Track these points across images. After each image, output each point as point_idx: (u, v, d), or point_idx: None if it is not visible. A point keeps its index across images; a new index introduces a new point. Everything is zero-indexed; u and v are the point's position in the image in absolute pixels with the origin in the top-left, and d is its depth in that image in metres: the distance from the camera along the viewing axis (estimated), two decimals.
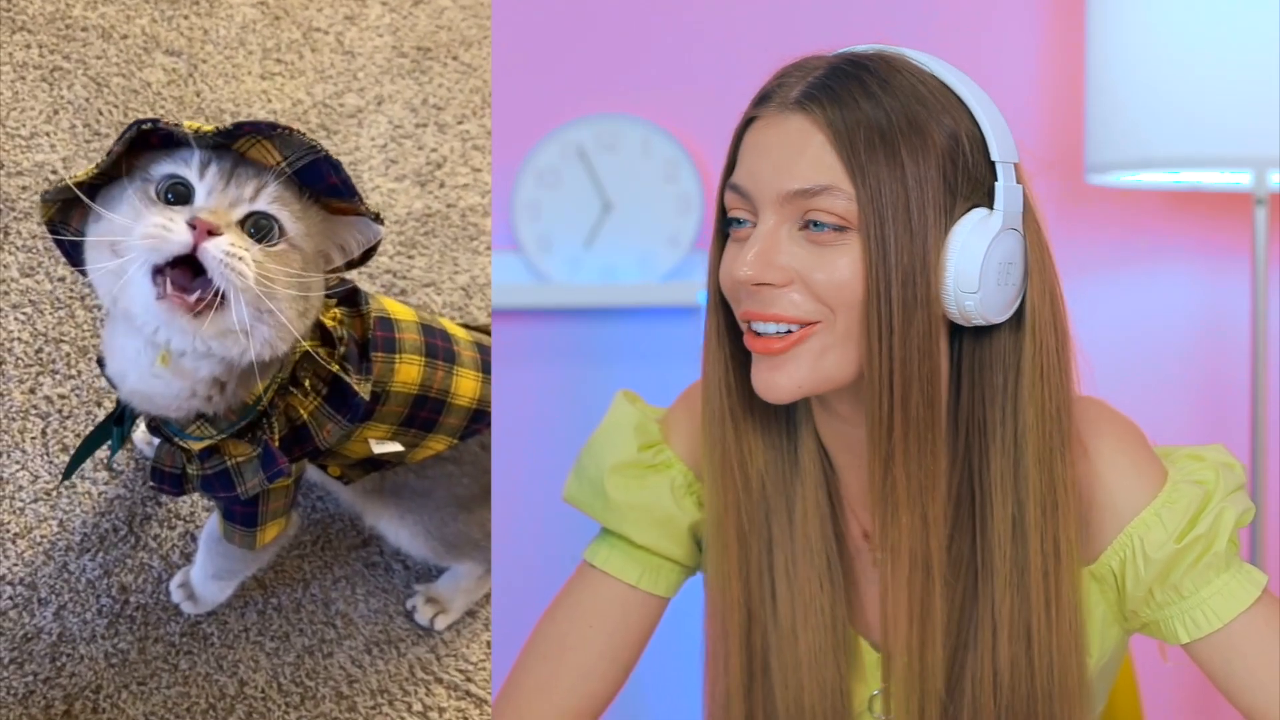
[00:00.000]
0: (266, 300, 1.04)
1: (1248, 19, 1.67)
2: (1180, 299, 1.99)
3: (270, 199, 1.06)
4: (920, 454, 0.94)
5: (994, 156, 0.94)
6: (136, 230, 1.01)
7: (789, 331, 0.94)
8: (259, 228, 1.05)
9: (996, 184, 0.94)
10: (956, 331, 0.96)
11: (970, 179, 0.93)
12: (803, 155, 0.92)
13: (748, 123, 0.97)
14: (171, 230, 1.00)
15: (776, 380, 0.94)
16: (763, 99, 0.96)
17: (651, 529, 1.08)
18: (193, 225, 1.01)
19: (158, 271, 1.02)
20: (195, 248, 1.00)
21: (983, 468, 0.97)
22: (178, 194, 1.04)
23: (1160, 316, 1.99)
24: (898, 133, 0.91)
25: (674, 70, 1.99)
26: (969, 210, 0.93)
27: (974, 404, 0.96)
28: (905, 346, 0.92)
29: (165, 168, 1.05)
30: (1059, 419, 0.96)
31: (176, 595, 1.45)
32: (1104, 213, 1.97)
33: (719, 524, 1.03)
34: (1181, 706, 1.98)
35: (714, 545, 1.04)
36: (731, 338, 1.00)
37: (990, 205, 0.94)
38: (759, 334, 0.95)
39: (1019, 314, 0.96)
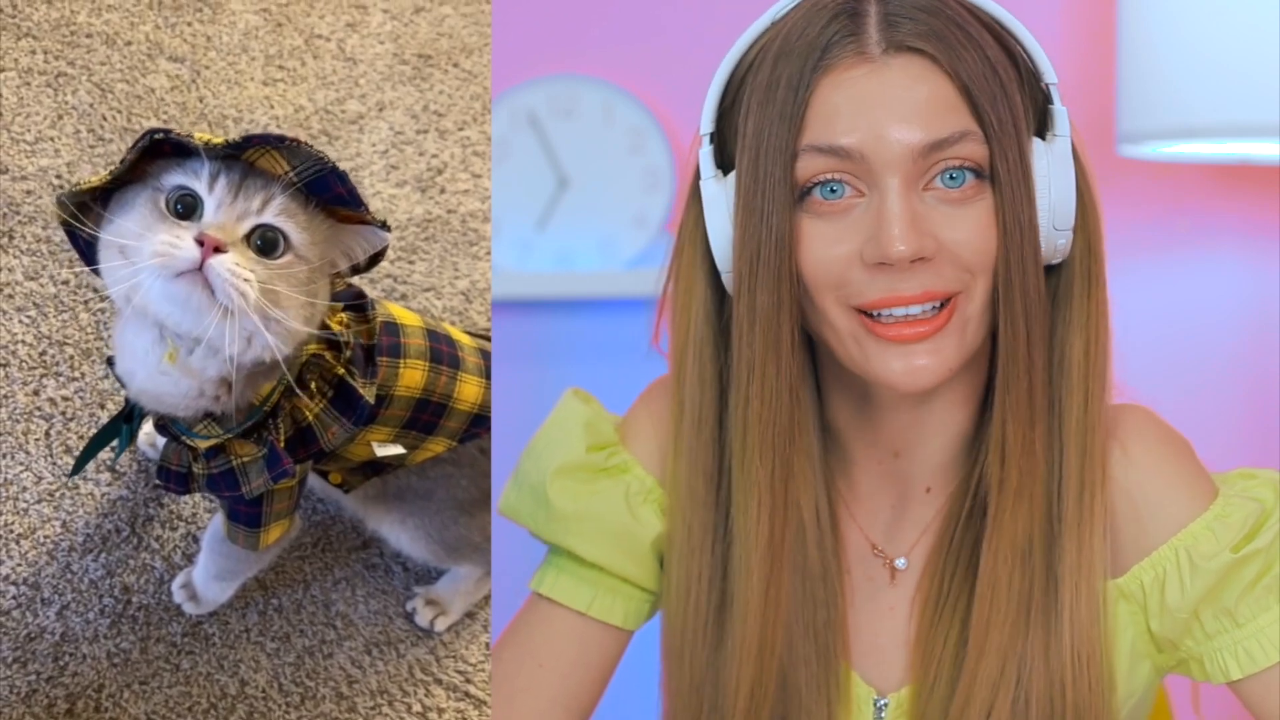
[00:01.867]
0: (272, 309, 1.06)
1: None
2: (1226, 285, 1.74)
3: (277, 211, 1.08)
4: (1046, 421, 0.87)
5: (1046, 79, 0.87)
6: (146, 248, 1.04)
7: (935, 309, 0.83)
8: (265, 240, 1.07)
9: (1052, 107, 0.87)
10: None
11: (1035, 106, 0.87)
12: (930, 102, 0.83)
13: (816, 74, 0.84)
14: (179, 249, 1.03)
15: (928, 367, 0.83)
16: (832, 44, 0.84)
17: (603, 542, 0.94)
18: (200, 242, 1.03)
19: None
20: (202, 264, 1.03)
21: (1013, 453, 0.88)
22: (187, 206, 1.07)
23: (1204, 305, 1.74)
24: (997, 65, 0.84)
25: (639, 25, 1.71)
26: (1034, 138, 0.86)
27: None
28: (1038, 301, 0.85)
29: (175, 178, 1.08)
30: (1106, 355, 0.89)
31: (178, 595, 1.46)
32: (1139, 188, 1.73)
33: (685, 521, 0.92)
34: None
35: (678, 546, 0.93)
36: (804, 342, 0.88)
37: (1043, 133, 0.87)
38: (893, 319, 0.84)
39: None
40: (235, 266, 1.04)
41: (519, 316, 1.76)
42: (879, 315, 0.84)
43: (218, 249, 1.03)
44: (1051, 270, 0.88)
